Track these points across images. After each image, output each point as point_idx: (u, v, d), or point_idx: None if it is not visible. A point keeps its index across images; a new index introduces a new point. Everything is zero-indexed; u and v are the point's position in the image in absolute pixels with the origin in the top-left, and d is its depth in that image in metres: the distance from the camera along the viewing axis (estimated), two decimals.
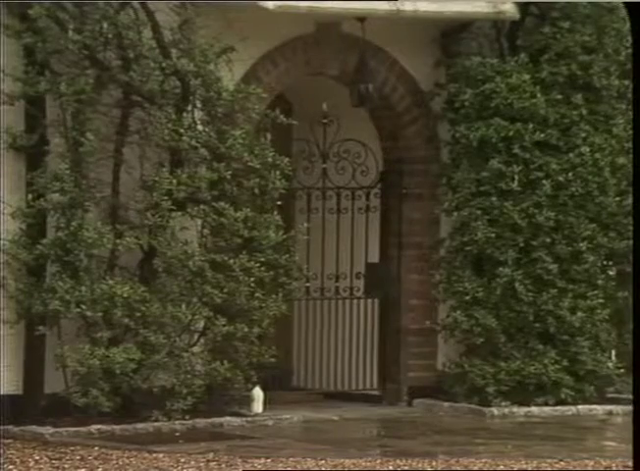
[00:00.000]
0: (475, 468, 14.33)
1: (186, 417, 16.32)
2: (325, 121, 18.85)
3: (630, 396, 17.48)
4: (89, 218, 16.40)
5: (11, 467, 14.19)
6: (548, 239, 17.94)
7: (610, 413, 18.28)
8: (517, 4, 18.50)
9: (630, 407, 17.14)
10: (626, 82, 18.61)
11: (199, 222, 16.86)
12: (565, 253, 17.96)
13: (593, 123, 18.35)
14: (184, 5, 16.76)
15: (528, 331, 18.38)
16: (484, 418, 17.80)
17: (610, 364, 18.87)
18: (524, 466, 14.56)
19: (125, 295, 16.10)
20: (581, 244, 17.94)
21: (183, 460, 14.41)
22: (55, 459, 14.60)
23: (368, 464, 14.46)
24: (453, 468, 14.34)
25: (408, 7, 17.69)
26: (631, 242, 18.48)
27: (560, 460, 14.80)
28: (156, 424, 16.14)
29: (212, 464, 14.28)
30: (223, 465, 14.26)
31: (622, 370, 18.92)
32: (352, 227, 18.82)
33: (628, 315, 18.45)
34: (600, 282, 18.65)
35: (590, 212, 18.07)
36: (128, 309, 16.14)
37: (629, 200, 18.40)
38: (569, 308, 18.04)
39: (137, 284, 16.44)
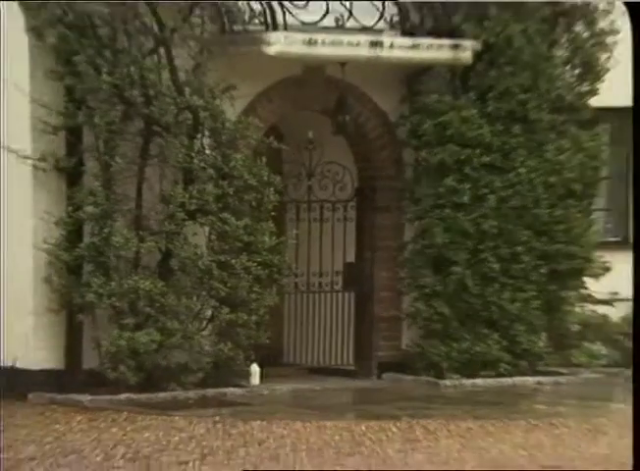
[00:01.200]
0: (432, 428, 14.77)
1: (198, 388, 16.79)
2: (310, 146, 19.02)
3: (555, 369, 19.57)
4: (118, 226, 16.67)
5: (57, 426, 14.79)
6: (492, 244, 18.33)
7: (539, 383, 18.64)
8: (471, 51, 18.46)
9: (555, 378, 19.30)
10: (556, 116, 19.04)
11: (207, 229, 17.07)
12: (506, 255, 18.37)
13: (529, 149, 18.65)
14: (201, 51, 16.92)
15: (476, 318, 18.78)
16: (439, 388, 18.16)
17: (540, 344, 19.13)
18: (471, 425, 15.15)
19: (147, 289, 16.48)
20: (519, 248, 18.38)
21: (195, 422, 14.96)
22: (92, 420, 15.15)
23: (345, 425, 14.94)
24: (415, 428, 14.73)
25: (385, 54, 17.97)
26: (561, 246, 19.36)
27: (500, 421, 15.38)
28: (173, 393, 16.60)
29: (218, 425, 14.78)
30: (227, 426, 14.72)
31: (550, 349, 19.46)
32: (333, 233, 19.08)
33: (556, 304, 19.68)
34: (534, 278, 18.91)
35: (526, 221, 18.50)
36: (149, 300, 16.52)
37: (559, 212, 19.04)
38: (509, 299, 18.49)
39: (157, 280, 16.68)
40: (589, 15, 19.47)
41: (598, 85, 19.49)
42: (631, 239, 20.52)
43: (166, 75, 16.73)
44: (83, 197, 16.70)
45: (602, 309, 20.48)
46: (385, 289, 19.28)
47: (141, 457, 12.80)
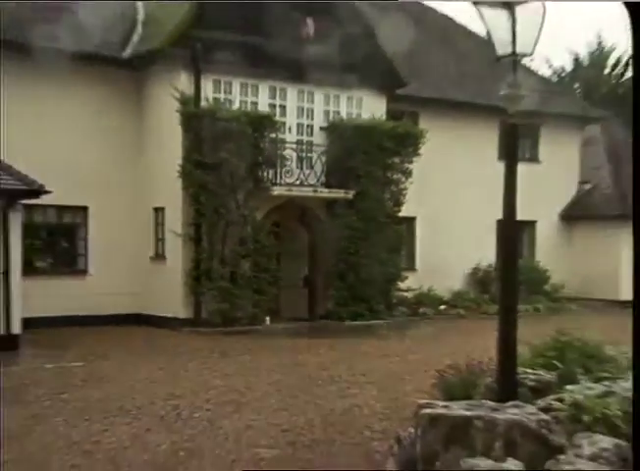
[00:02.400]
0: (338, 341, 14.91)
1: (245, 326, 16.02)
2: (291, 230, 18.25)
3: (388, 318, 18.00)
4: (214, 262, 16.09)
5: (191, 341, 14.67)
6: (363, 271, 17.60)
7: (381, 324, 17.38)
8: (352, 195, 17.59)
9: (388, 321, 17.77)
10: (387, 219, 18.07)
11: (249, 263, 16.41)
12: (369, 275, 17.69)
13: (375, 232, 17.69)
14: (249, 194, 16.25)
15: (357, 297, 17.74)
16: (342, 326, 17.04)
17: (382, 307, 18.10)
18: (353, 340, 15.18)
19: (225, 287, 16.02)
20: (374, 272, 17.74)
21: (244, 339, 14.88)
22: (205, 339, 14.82)
23: (305, 340, 15.08)
24: (332, 341, 14.78)
25: (319, 195, 17.39)
26: (390, 269, 18.23)
27: (366, 338, 15.37)
28: (235, 328, 15.82)
29: (254, 340, 14.80)
30: (257, 340, 14.82)
31: (385, 309, 18.25)
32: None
33: (388, 292, 18.41)
34: (378, 281, 17.90)
35: (378, 261, 17.78)
36: (227, 292, 15.97)
37: (389, 256, 18.12)
38: (369, 290, 17.78)
39: (229, 282, 16.13)
40: (396, 192, 18.50)
41: (400, 208, 18.58)
42: (416, 267, 20.48)
43: (234, 205, 16.27)
44: (202, 250, 16.20)
45: (404, 294, 19.11)
46: (321, 287, 18.27)
47: (224, 352, 13.24)
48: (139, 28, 17.45)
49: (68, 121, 16.25)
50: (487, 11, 5.96)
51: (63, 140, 16.09)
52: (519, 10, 5.82)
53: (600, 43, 34.67)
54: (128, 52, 16.85)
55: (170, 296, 16.54)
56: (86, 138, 16.48)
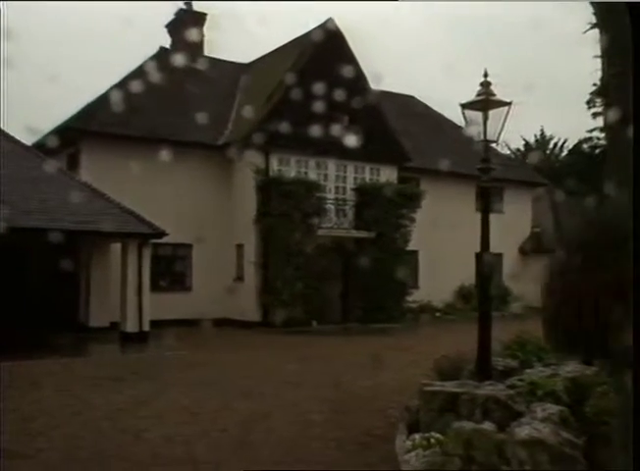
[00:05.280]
0: (348, 336, 14.18)
1: (301, 326, 15.30)
2: (331, 261, 16.59)
3: (400, 323, 16.35)
4: (278, 282, 15.58)
5: (260, 336, 13.97)
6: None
7: (396, 326, 15.92)
8: (369, 235, 16.62)
9: (393, 326, 15.92)
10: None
11: (302, 283, 15.67)
12: (387, 288, 16.69)
13: (389, 262, 16.32)
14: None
15: (376, 306, 16.26)
16: (368, 328, 15.69)
17: (396, 314, 16.98)
18: (364, 338, 14.01)
19: (284, 299, 15.42)
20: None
21: (298, 337, 14.04)
22: (269, 337, 14.06)
23: (341, 337, 14.28)
24: (348, 337, 14.12)
25: (351, 235, 16.48)
26: (402, 287, 17.02)
27: (376, 336, 14.31)
28: (293, 328, 15.03)
29: (305, 336, 14.18)
30: (307, 336, 14.15)
31: (400, 316, 17.16)
32: None
33: (400, 304, 17.16)
34: (392, 296, 16.70)
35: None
36: (286, 303, 15.47)
37: (398, 277, 16.55)
38: (386, 302, 16.84)
39: (288, 296, 15.48)
40: (404, 232, 17.46)
41: (408, 244, 17.52)
42: (419, 285, 18.96)
43: (292, 242, 15.65)
44: (268, 274, 15.64)
45: (411, 304, 17.99)
46: (351, 299, 16.89)
47: (284, 346, 12.88)
48: (230, 125, 17.42)
49: (180, 188, 16.22)
50: (468, 112, 6.17)
51: (176, 201, 15.99)
52: (490, 112, 6.03)
53: (542, 133, 36.29)
54: (221, 141, 16.96)
55: (246, 306, 16.19)
56: (192, 199, 16.40)
